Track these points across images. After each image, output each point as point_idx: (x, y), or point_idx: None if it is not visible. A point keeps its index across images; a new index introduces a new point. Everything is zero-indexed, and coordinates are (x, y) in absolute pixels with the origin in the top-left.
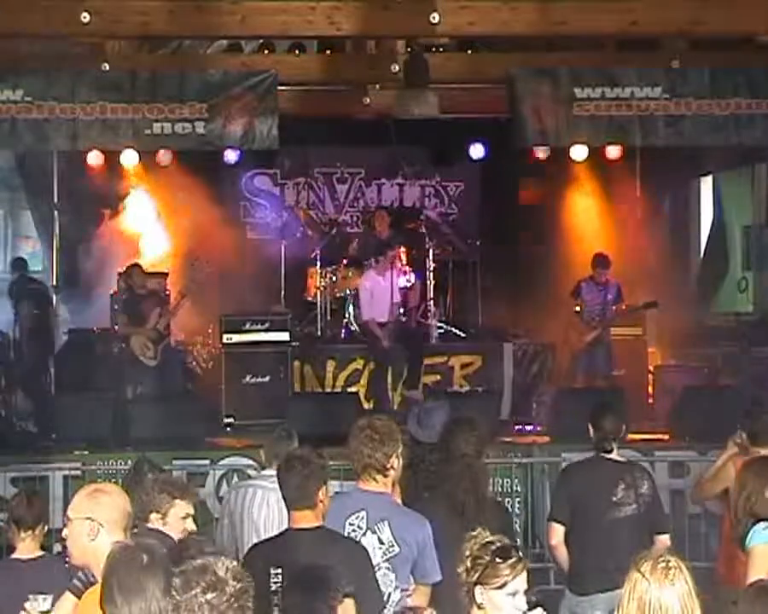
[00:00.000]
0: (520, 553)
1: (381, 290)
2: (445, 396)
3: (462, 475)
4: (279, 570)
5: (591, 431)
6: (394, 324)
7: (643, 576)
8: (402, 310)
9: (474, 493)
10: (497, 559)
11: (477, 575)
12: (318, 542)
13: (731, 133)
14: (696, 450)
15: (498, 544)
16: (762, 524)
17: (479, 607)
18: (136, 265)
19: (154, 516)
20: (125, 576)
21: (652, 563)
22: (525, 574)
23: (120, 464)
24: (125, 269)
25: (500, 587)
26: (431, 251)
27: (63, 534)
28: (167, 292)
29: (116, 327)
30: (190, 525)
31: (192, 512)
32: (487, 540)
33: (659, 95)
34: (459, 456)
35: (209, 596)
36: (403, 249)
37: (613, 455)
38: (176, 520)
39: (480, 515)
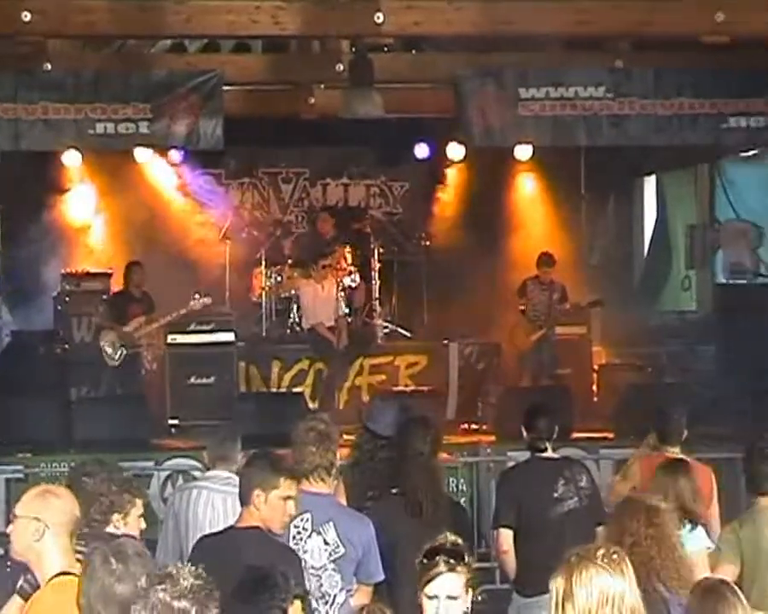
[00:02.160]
0: (466, 557)
1: (322, 299)
2: (391, 396)
3: (419, 474)
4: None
5: (524, 432)
6: (341, 326)
7: (603, 567)
8: (347, 311)
9: (432, 492)
10: (424, 560)
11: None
12: (246, 541)
13: (675, 133)
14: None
15: (432, 545)
16: (687, 527)
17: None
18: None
19: (116, 517)
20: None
21: (607, 554)
22: (454, 579)
23: (64, 466)
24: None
25: (422, 588)
26: (376, 250)
27: (7, 529)
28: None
29: (60, 330)
30: (143, 524)
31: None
32: (439, 541)
33: (603, 95)
34: (415, 455)
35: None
36: (348, 249)
37: (549, 454)
38: (134, 520)
39: (437, 515)
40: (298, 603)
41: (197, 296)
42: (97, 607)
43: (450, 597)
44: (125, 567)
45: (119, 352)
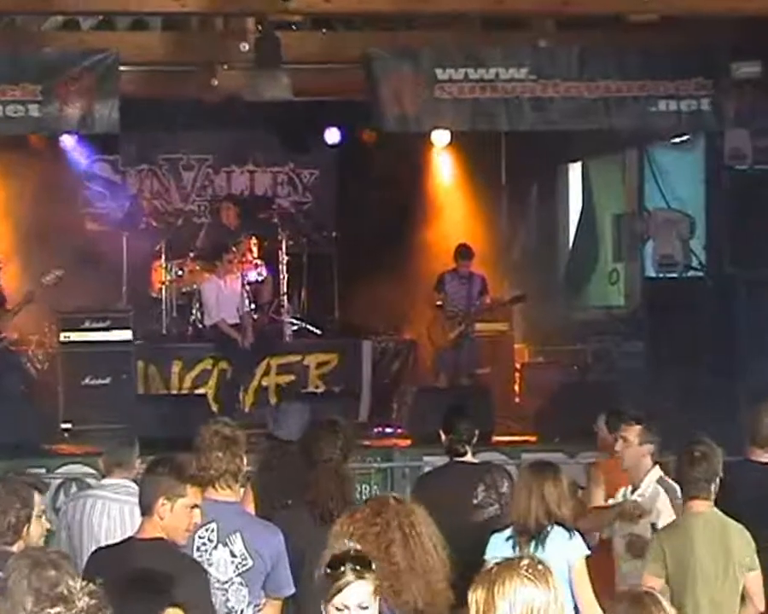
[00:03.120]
0: (372, 564)
1: (226, 294)
2: (300, 397)
3: (329, 481)
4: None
5: (442, 435)
6: (247, 323)
7: (528, 578)
8: (253, 307)
9: (342, 500)
10: (329, 570)
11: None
12: (148, 553)
13: (601, 117)
14: (566, 452)
15: (336, 553)
16: (563, 534)
17: None
18: None
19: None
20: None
21: (531, 564)
22: (364, 587)
23: None
24: None
25: (330, 600)
26: (284, 242)
27: None
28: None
29: None
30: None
31: None
32: (343, 549)
33: (525, 77)
34: (324, 461)
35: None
36: (254, 241)
37: (468, 458)
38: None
39: None
40: (174, 611)
41: (49, 276)
42: None
43: (361, 607)
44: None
45: None
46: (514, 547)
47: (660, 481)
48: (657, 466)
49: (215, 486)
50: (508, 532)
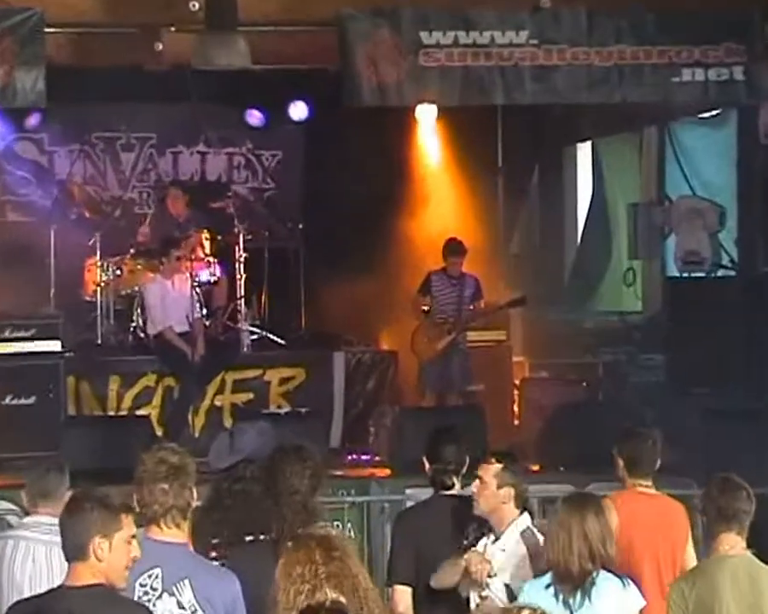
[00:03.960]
0: None
1: (173, 298)
2: (261, 418)
3: (295, 517)
4: None
5: (427, 464)
6: (197, 331)
7: None
8: (205, 313)
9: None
10: None
11: None
12: (89, 603)
13: (614, 89)
14: (573, 483)
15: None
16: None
17: None
18: None
19: None
20: None
21: None
22: None
23: None
24: None
25: None
26: (241, 236)
27: None
28: None
29: None
30: None
31: None
32: (318, 599)
33: (525, 41)
34: (290, 494)
35: None
36: (206, 235)
37: (456, 491)
38: None
39: None
40: None
41: None
42: None
43: None
44: None
45: None
46: (556, 597)
47: (525, 534)
48: (525, 515)
49: (159, 524)
50: (546, 579)
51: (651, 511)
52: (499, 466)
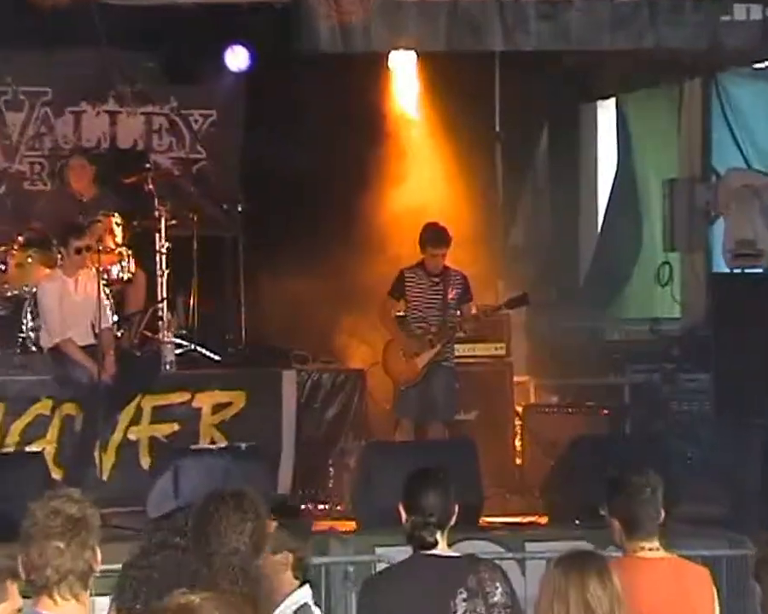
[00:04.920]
0: None
1: (75, 301)
2: (208, 455)
3: (233, 584)
4: None
5: (403, 514)
6: (106, 344)
7: None
8: (116, 320)
9: (254, 608)
10: None
11: None
12: None
13: (645, 30)
14: (590, 540)
15: None
16: None
17: None
18: None
19: None
20: None
21: None
22: None
23: None
24: None
25: None
26: (163, 221)
27: None
28: None
29: None
30: None
31: None
32: None
33: None
34: (225, 554)
35: None
36: (117, 219)
37: (441, 550)
38: None
39: None
40: None
41: None
42: None
43: None
44: None
45: None
46: None
47: (302, 610)
48: (306, 587)
49: (53, 594)
50: None
51: (660, 580)
52: (274, 523)
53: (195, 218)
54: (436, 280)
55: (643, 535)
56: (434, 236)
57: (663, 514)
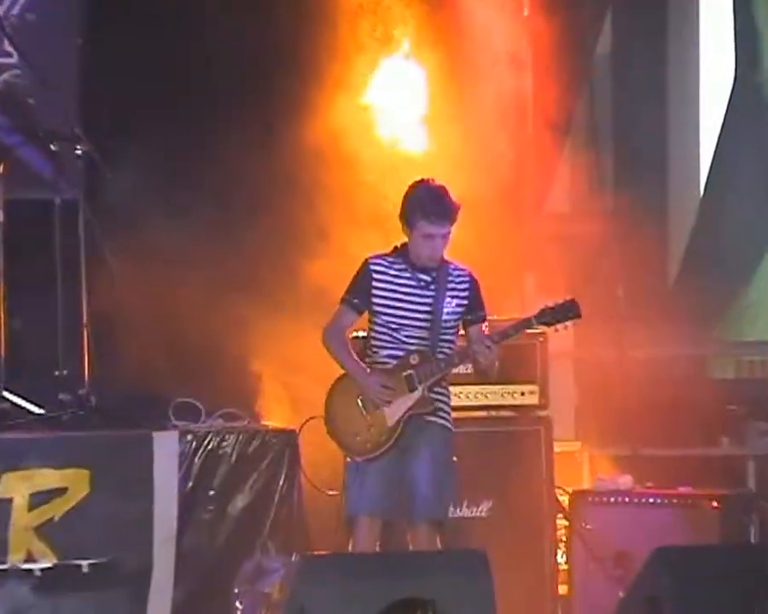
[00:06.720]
0: None
1: None
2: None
3: None
4: None
5: None
6: None
7: None
8: None
9: None
10: None
11: None
12: None
13: None
14: None
15: None
16: None
17: None
18: None
19: None
20: None
21: None
22: None
23: None
24: None
25: None
26: None
27: None
28: None
29: None
30: None
31: None
32: None
33: None
34: None
35: None
36: None
37: None
38: None
39: None
40: None
41: None
42: None
43: None
44: None
45: None
46: None
47: None
48: None
49: None
50: None
51: None
52: None
53: (1, 168)
54: (427, 278)
55: None
56: (433, 204)
57: None
